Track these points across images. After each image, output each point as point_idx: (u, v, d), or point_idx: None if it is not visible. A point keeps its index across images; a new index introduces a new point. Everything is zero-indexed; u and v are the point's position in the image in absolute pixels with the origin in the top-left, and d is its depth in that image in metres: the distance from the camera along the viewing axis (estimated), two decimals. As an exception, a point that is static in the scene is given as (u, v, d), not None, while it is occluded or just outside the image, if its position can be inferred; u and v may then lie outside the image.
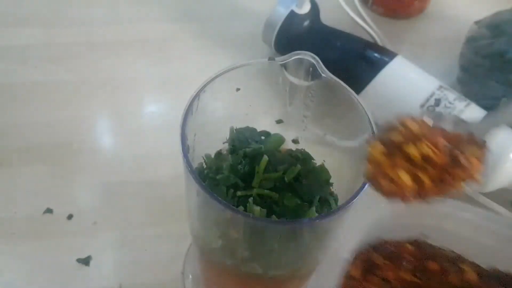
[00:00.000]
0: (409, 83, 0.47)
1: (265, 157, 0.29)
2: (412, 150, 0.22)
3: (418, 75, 0.48)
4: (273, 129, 0.33)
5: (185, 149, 0.26)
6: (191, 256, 0.40)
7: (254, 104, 0.32)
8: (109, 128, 0.49)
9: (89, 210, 0.43)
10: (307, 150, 0.32)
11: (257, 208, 0.27)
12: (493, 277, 0.37)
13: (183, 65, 0.54)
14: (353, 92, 0.29)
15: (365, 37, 0.53)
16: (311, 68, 0.30)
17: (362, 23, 0.54)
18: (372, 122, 0.28)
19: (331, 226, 0.28)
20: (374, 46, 0.52)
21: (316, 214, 0.28)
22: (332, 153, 0.32)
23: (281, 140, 0.33)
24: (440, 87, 0.46)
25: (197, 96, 0.28)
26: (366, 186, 0.25)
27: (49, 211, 0.42)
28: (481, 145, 0.22)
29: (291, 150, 0.33)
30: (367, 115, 0.28)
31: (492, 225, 0.38)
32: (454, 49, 0.54)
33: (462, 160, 0.22)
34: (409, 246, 0.38)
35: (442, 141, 0.22)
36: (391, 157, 0.22)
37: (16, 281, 0.39)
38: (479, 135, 0.23)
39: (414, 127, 0.23)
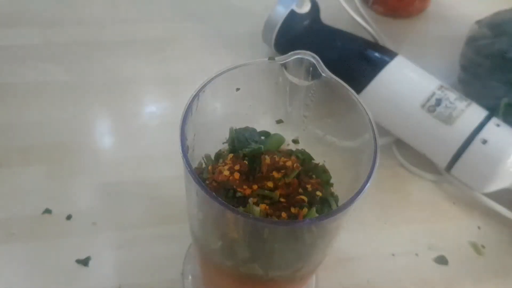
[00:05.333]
0: (410, 83, 0.47)
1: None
2: None
3: (419, 74, 0.48)
4: (273, 129, 0.33)
5: (185, 149, 0.26)
6: (191, 256, 0.40)
7: (254, 104, 0.32)
8: (109, 128, 0.49)
9: (88, 211, 0.42)
10: (307, 150, 0.32)
11: (257, 209, 0.27)
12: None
13: (183, 65, 0.54)
14: (353, 91, 0.29)
15: (366, 36, 0.53)
16: (311, 68, 0.29)
17: (363, 22, 0.54)
18: (372, 122, 0.28)
19: (332, 226, 0.28)
20: (374, 46, 0.52)
21: (316, 215, 0.28)
22: (332, 153, 0.32)
23: (281, 140, 0.33)
24: (441, 87, 0.46)
25: (196, 96, 0.28)
26: (367, 186, 0.25)
27: (48, 211, 0.42)
28: None
29: (291, 150, 0.33)
30: (367, 115, 0.28)
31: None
32: (455, 48, 0.54)
33: None
34: None
35: None
36: None
37: (14, 282, 0.39)
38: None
39: None
